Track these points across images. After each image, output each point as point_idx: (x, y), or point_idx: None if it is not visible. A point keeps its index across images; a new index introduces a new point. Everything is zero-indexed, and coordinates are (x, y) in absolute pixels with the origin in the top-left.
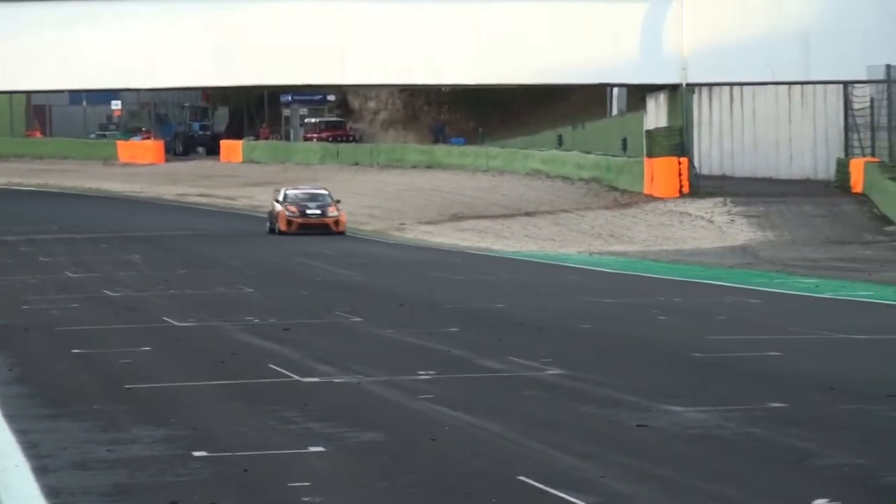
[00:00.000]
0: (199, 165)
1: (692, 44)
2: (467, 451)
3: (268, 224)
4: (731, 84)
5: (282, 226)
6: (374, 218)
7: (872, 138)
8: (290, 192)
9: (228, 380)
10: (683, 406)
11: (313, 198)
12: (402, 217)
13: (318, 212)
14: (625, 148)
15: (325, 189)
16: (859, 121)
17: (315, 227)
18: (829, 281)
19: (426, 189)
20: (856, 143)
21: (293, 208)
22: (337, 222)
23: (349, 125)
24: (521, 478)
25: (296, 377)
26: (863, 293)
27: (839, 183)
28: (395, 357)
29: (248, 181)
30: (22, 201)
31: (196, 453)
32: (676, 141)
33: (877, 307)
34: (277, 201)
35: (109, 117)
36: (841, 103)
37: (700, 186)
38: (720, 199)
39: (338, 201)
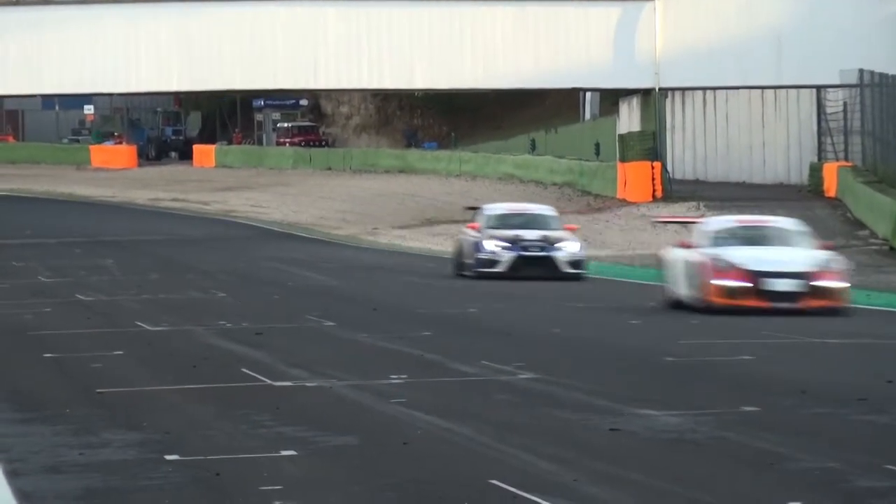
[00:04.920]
0: (171, 170)
1: (665, 48)
2: (439, 455)
3: None
4: (704, 88)
5: None
6: (346, 223)
7: (846, 142)
8: None
9: (200, 384)
10: (656, 410)
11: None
12: (375, 221)
13: None
14: (598, 152)
15: None
16: (832, 125)
17: None
18: None
19: (399, 194)
20: (829, 148)
21: None
22: None
23: (322, 130)
24: (494, 482)
25: (268, 381)
26: None
27: (812, 187)
28: (367, 361)
29: (221, 186)
30: None
31: (168, 457)
32: (649, 145)
33: (849, 311)
34: None
35: (82, 122)
36: (814, 107)
37: (673, 191)
38: (693, 203)
39: None
